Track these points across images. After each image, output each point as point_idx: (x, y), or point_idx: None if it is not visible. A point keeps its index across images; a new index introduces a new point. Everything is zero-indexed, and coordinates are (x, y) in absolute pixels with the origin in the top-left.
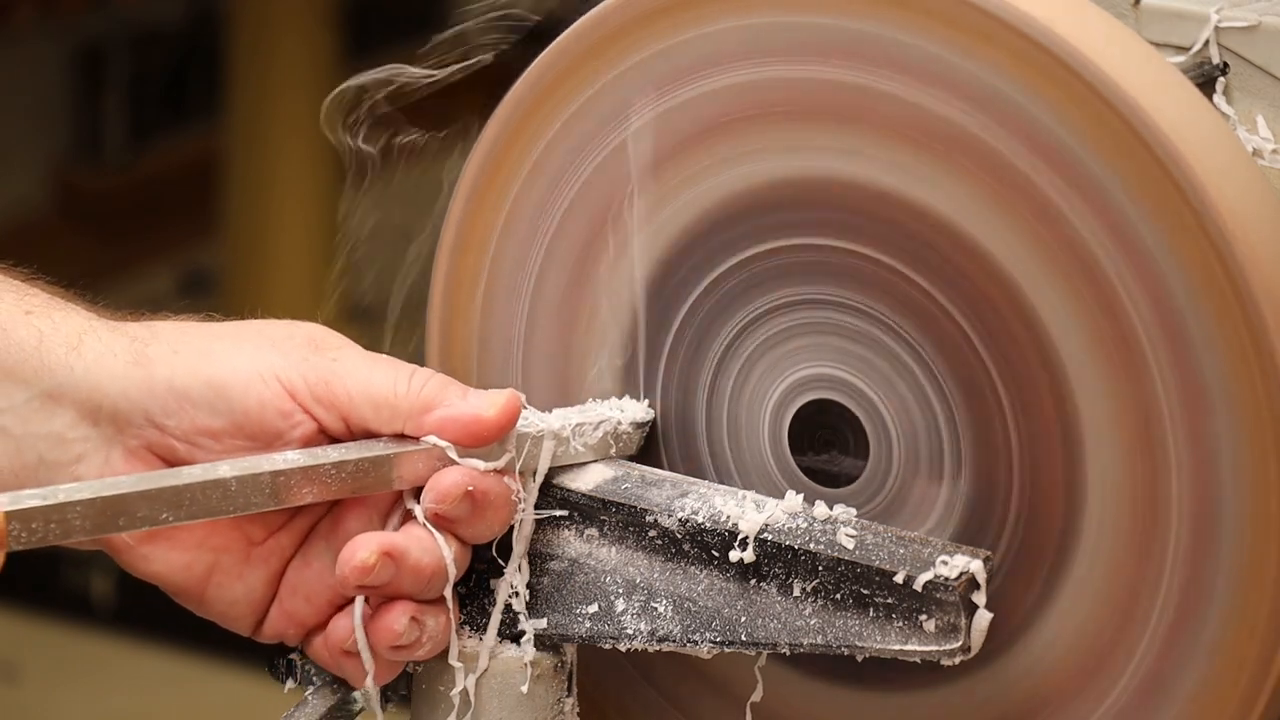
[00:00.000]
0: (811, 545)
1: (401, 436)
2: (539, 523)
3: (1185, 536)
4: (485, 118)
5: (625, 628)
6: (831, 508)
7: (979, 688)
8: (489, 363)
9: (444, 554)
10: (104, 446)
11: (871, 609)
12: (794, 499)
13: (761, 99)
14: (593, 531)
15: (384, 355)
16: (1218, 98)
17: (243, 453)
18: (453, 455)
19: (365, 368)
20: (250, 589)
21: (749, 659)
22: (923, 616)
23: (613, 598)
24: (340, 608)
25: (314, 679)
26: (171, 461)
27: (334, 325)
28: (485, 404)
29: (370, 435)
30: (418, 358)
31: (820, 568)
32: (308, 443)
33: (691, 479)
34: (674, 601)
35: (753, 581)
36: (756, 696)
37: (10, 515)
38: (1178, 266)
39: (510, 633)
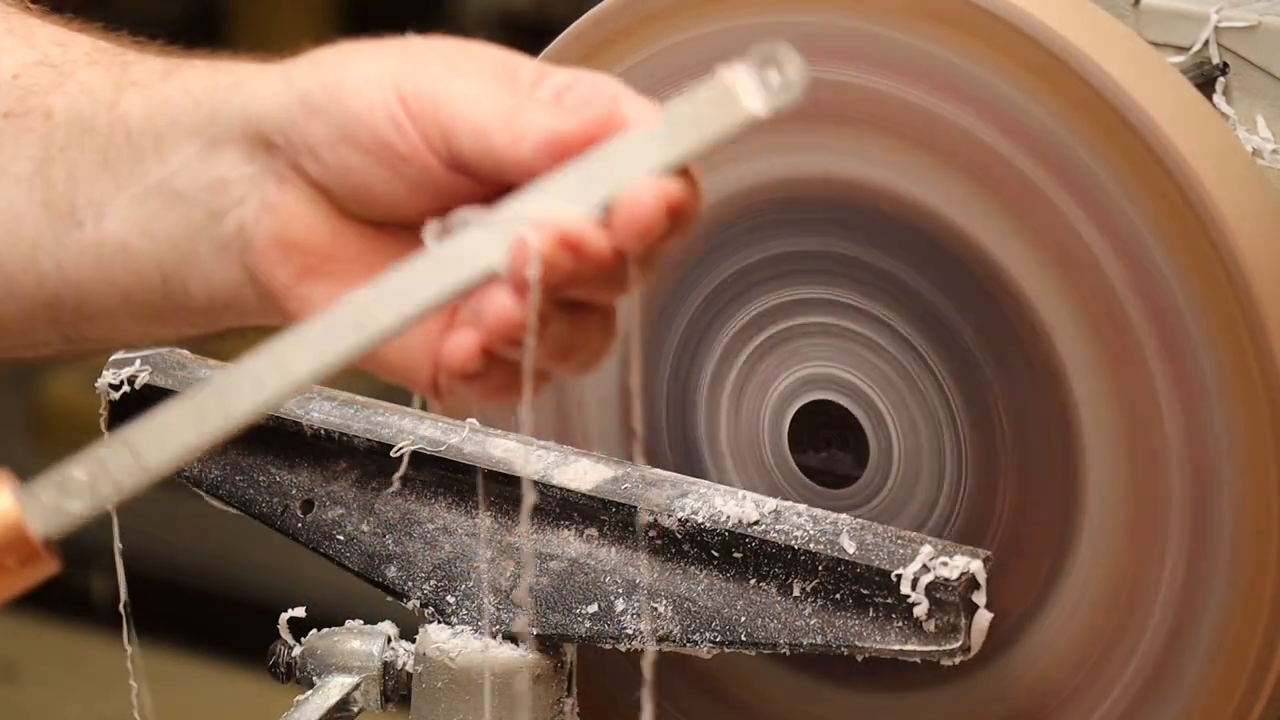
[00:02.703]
0: (811, 545)
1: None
2: (539, 523)
3: (1185, 537)
4: None
5: (625, 628)
6: (831, 508)
7: (979, 688)
8: None
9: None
10: (260, 182)
11: (871, 609)
12: (793, 499)
13: None
14: (593, 531)
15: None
16: (1218, 98)
17: (362, 171)
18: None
19: (476, 92)
20: (426, 328)
21: (748, 659)
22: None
23: (613, 598)
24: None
25: (314, 679)
26: (316, 181)
27: None
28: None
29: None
30: None
31: (820, 568)
32: (423, 168)
33: (691, 479)
34: (674, 601)
35: (753, 581)
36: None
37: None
38: (1177, 267)
39: (509, 633)
